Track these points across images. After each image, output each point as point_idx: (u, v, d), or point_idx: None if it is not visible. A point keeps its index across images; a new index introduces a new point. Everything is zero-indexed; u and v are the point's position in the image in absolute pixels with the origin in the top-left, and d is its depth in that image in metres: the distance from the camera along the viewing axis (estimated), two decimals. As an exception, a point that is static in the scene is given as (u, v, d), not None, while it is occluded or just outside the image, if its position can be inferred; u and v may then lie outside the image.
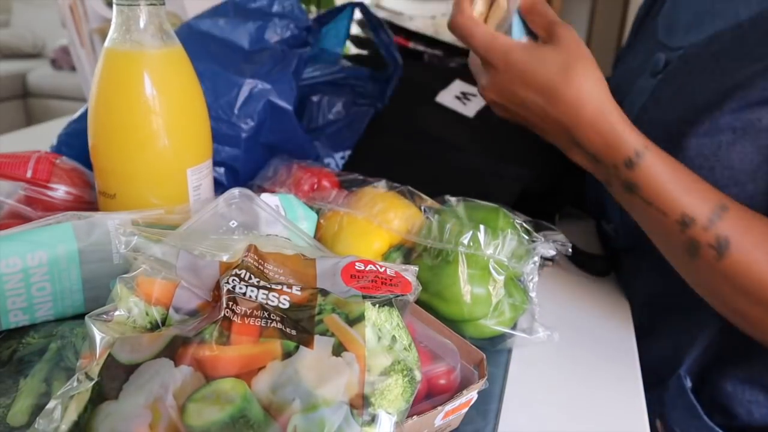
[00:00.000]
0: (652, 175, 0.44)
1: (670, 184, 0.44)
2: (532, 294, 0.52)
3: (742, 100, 0.46)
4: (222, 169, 0.66)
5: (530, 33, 0.51)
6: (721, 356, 0.53)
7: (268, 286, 0.35)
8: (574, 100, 0.46)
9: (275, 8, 0.70)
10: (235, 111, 0.64)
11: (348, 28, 0.86)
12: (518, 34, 0.50)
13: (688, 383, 0.54)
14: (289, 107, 0.66)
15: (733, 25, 0.50)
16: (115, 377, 0.30)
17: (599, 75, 0.47)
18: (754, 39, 0.48)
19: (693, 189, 0.44)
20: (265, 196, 0.53)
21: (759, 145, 0.46)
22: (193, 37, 0.66)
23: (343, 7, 0.81)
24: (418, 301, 0.42)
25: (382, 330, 0.34)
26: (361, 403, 0.31)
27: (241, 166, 0.66)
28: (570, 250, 0.51)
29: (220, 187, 0.59)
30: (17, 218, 0.54)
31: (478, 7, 0.54)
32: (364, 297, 0.36)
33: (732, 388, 0.52)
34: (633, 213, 0.49)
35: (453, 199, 0.55)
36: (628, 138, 0.45)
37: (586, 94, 0.46)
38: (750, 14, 0.49)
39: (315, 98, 0.78)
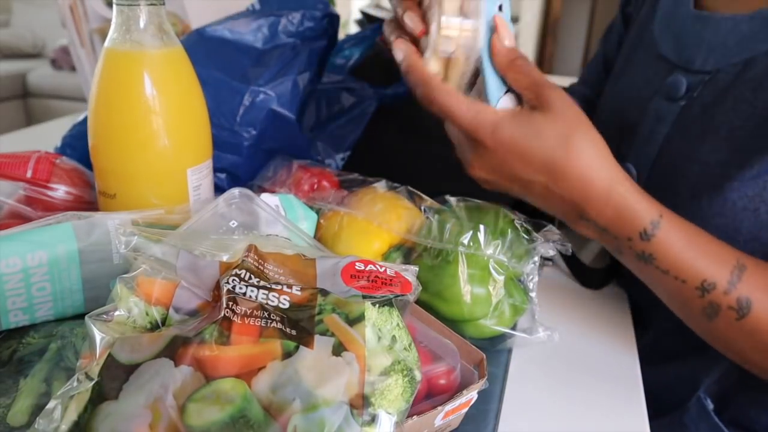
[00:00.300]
0: (669, 244, 0.41)
1: (688, 251, 0.41)
2: (532, 294, 0.52)
3: None
4: (223, 175, 0.66)
5: (510, 89, 0.45)
6: (741, 378, 0.52)
7: (268, 286, 0.35)
8: (581, 175, 0.41)
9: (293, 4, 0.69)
10: (237, 119, 0.64)
11: (363, 53, 0.85)
12: (496, 92, 0.44)
13: (710, 405, 0.52)
14: (291, 116, 0.66)
15: (767, 51, 0.47)
16: (115, 377, 0.30)
17: (600, 141, 0.43)
18: None
19: (710, 252, 0.42)
20: (265, 196, 0.53)
21: None
22: (202, 44, 0.66)
23: (372, 32, 0.81)
24: (418, 301, 0.42)
25: (382, 330, 0.34)
26: (361, 403, 0.31)
27: (243, 172, 0.67)
28: (570, 250, 0.51)
29: (221, 192, 0.59)
30: (17, 218, 0.54)
31: (433, 67, 0.48)
32: (364, 297, 0.36)
33: (755, 413, 0.51)
34: (646, 280, 0.45)
35: (453, 199, 0.55)
36: (642, 209, 0.41)
37: (593, 169, 0.41)
38: None
39: (316, 97, 0.78)
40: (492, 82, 0.44)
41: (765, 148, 0.45)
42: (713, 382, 0.54)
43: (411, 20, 0.47)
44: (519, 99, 0.45)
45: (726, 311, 0.40)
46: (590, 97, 0.75)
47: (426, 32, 0.48)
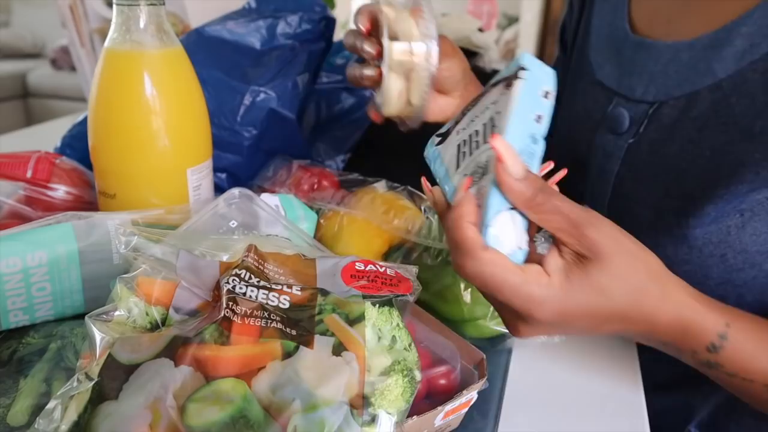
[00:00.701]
0: (737, 353, 0.38)
1: (756, 355, 0.39)
2: (532, 294, 0.52)
3: (744, 184, 0.43)
4: (224, 175, 0.66)
5: (513, 207, 0.35)
6: (735, 408, 0.51)
7: (268, 286, 0.35)
8: (649, 316, 0.36)
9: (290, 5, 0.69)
10: (238, 119, 0.64)
11: None
12: (493, 208, 0.34)
13: None
14: (291, 115, 0.66)
15: (711, 86, 0.46)
16: (115, 377, 0.30)
17: (656, 265, 0.36)
18: (738, 106, 0.44)
19: None
20: (265, 196, 0.53)
21: None
22: (201, 44, 0.66)
23: None
24: (418, 301, 0.42)
25: (382, 330, 0.34)
26: (361, 403, 0.31)
27: (243, 172, 0.67)
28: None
29: (221, 192, 0.59)
30: (17, 218, 0.54)
31: (396, 86, 0.49)
32: (364, 297, 0.36)
33: None
34: (711, 376, 0.42)
35: (453, 199, 0.55)
36: (709, 323, 0.38)
37: (660, 309, 0.36)
38: (727, 72, 0.45)
39: (316, 98, 0.78)
40: (494, 199, 0.34)
41: (714, 195, 0.44)
42: (706, 415, 0.53)
43: (367, 46, 0.50)
44: (529, 223, 0.36)
45: None
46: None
47: (380, 54, 0.50)
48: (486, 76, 0.67)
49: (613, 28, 0.56)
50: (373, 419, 0.31)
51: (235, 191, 0.47)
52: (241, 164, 0.66)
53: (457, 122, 0.42)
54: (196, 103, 0.52)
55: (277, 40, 0.67)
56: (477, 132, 0.38)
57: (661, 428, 0.49)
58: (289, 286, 0.36)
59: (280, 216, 0.47)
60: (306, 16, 0.68)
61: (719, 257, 0.45)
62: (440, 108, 0.57)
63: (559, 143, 0.62)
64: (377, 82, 0.52)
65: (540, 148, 0.36)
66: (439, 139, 0.43)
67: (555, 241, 0.34)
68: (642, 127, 0.51)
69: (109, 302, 0.34)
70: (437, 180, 0.41)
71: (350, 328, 0.34)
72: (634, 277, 0.34)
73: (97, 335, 0.31)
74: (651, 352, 0.55)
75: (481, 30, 1.18)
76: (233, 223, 0.45)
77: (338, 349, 0.33)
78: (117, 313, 0.34)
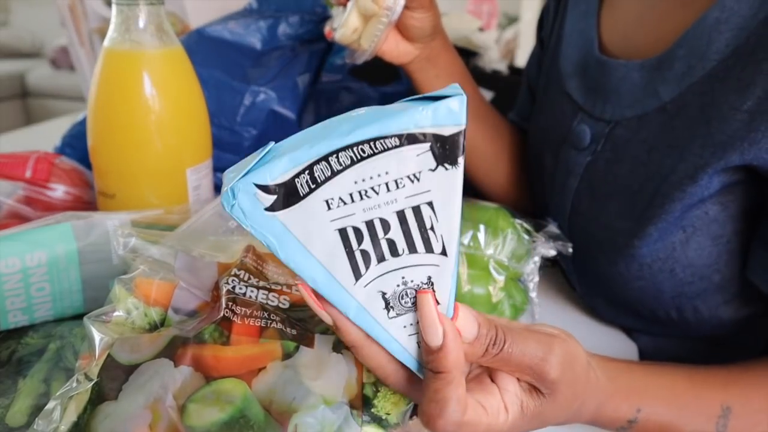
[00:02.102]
0: (648, 427, 0.39)
1: (670, 424, 0.40)
2: (532, 294, 0.52)
3: (683, 201, 0.44)
4: (224, 176, 0.66)
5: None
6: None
7: (268, 286, 0.35)
8: (575, 420, 0.38)
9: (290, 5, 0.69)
10: (238, 119, 0.64)
11: None
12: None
13: None
14: (292, 116, 0.66)
15: (657, 108, 0.46)
16: (114, 378, 0.30)
17: (593, 376, 0.37)
18: (680, 128, 0.45)
19: (694, 411, 0.40)
20: (264, 196, 0.53)
21: (713, 236, 0.44)
22: (202, 44, 0.66)
23: None
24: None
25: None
26: (361, 404, 0.31)
27: (242, 173, 0.66)
28: (570, 249, 0.51)
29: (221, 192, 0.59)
30: (16, 218, 0.54)
31: (353, 22, 0.51)
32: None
33: None
34: None
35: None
36: (621, 412, 0.39)
37: (586, 413, 0.38)
38: (671, 95, 0.45)
39: (316, 97, 0.78)
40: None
41: (657, 215, 0.45)
42: None
43: None
44: None
45: None
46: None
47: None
48: (486, 77, 0.67)
49: (583, 38, 0.56)
50: (373, 420, 0.31)
51: (235, 191, 0.47)
52: (241, 164, 0.66)
53: (316, 180, 0.26)
54: (195, 103, 0.52)
55: (277, 40, 0.67)
56: (386, 223, 0.27)
57: None
58: (289, 287, 0.36)
59: (279, 216, 0.47)
60: (307, 17, 0.68)
61: (669, 272, 0.46)
62: (399, 52, 0.56)
63: (532, 152, 0.62)
64: (343, 4, 0.53)
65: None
66: (273, 198, 0.26)
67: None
68: (600, 146, 0.51)
69: (107, 303, 0.34)
70: (284, 260, 0.27)
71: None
72: (574, 404, 0.35)
73: (96, 336, 0.31)
74: (652, 354, 0.55)
75: (481, 30, 1.17)
76: (233, 224, 0.45)
77: (338, 347, 0.33)
78: (116, 313, 0.34)
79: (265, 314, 0.33)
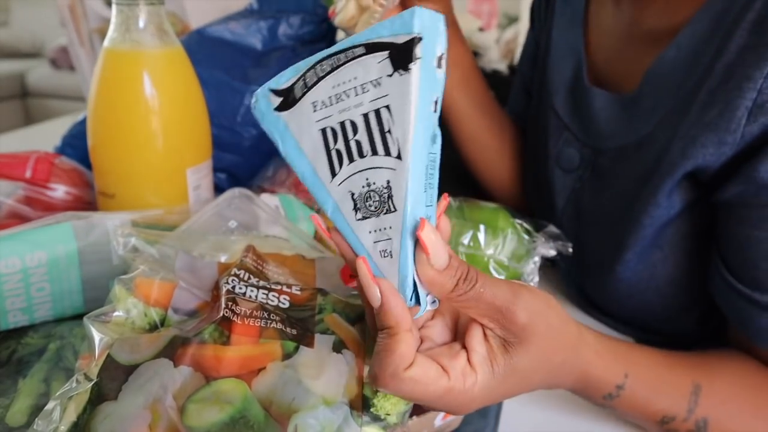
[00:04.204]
0: (632, 398, 0.39)
1: (649, 396, 0.40)
2: (532, 294, 0.51)
3: (653, 225, 0.46)
4: (224, 175, 0.66)
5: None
6: None
7: (268, 286, 0.35)
8: (559, 381, 0.36)
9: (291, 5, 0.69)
10: (238, 119, 0.64)
11: None
12: (411, 276, 0.29)
13: None
14: None
15: (634, 143, 0.48)
16: (114, 378, 0.30)
17: (579, 337, 0.36)
18: (649, 161, 0.46)
19: (668, 386, 0.40)
20: (264, 196, 0.53)
21: (688, 251, 0.46)
22: (203, 44, 0.66)
23: None
24: (418, 302, 0.42)
25: (382, 330, 0.34)
26: (360, 404, 0.31)
27: (243, 172, 0.66)
28: (570, 249, 0.51)
29: (221, 192, 0.59)
30: (16, 218, 0.54)
31: (350, 10, 0.52)
32: (364, 297, 0.35)
33: None
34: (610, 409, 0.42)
35: (453, 199, 0.54)
36: (609, 376, 0.38)
37: (573, 374, 0.37)
38: (647, 130, 0.47)
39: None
40: (408, 267, 0.29)
41: (632, 242, 0.47)
42: None
43: None
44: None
45: None
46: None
47: None
48: (486, 76, 0.67)
49: (571, 51, 0.56)
50: (373, 420, 0.31)
51: (235, 191, 0.47)
52: (241, 164, 0.66)
53: (306, 84, 0.30)
54: (196, 103, 0.52)
55: (278, 40, 0.67)
56: (354, 125, 0.29)
57: None
58: (289, 286, 0.36)
59: (279, 216, 0.47)
60: (308, 18, 0.68)
61: (655, 290, 0.48)
62: None
63: (528, 158, 0.63)
64: None
65: (438, 147, 0.30)
66: (280, 99, 0.31)
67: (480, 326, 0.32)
68: (587, 173, 0.53)
69: (107, 303, 0.34)
70: (284, 154, 0.31)
71: (351, 327, 0.34)
72: (554, 357, 0.33)
73: (96, 336, 0.31)
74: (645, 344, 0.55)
75: (481, 30, 1.18)
76: (233, 224, 0.45)
77: (338, 347, 0.33)
78: (116, 314, 0.34)
79: (265, 314, 0.33)
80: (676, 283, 0.48)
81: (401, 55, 0.28)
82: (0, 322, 0.41)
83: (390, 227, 0.29)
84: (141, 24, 0.47)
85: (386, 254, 0.29)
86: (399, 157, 0.28)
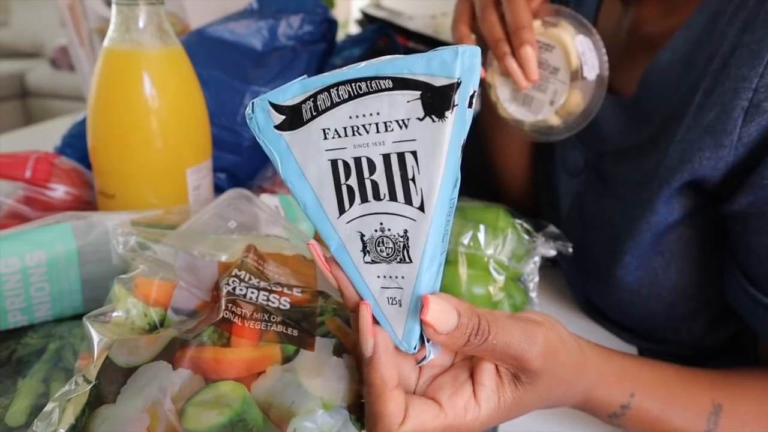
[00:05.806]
0: (640, 416, 0.39)
1: (662, 415, 0.39)
2: (532, 294, 0.51)
3: (651, 231, 0.46)
4: (223, 175, 0.66)
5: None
6: None
7: (269, 287, 0.35)
8: (561, 403, 0.37)
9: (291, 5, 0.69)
10: (238, 119, 0.64)
11: (363, 53, 0.85)
12: (417, 330, 0.28)
13: None
14: None
15: (636, 145, 0.48)
16: (112, 380, 0.30)
17: (582, 360, 0.35)
18: (648, 164, 0.46)
19: (686, 406, 0.39)
20: (264, 196, 0.53)
21: (691, 258, 0.46)
22: (203, 44, 0.66)
23: (371, 33, 0.81)
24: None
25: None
26: (360, 409, 0.31)
27: (243, 172, 0.66)
28: (570, 249, 0.51)
29: (221, 192, 0.59)
30: (16, 218, 0.54)
31: (501, 92, 0.50)
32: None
33: None
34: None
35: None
36: (613, 397, 0.38)
37: (575, 397, 0.36)
38: (648, 134, 0.47)
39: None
40: (415, 324, 0.28)
41: (631, 246, 0.47)
42: None
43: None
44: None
45: None
46: None
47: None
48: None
49: None
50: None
51: (235, 191, 0.47)
52: (241, 164, 0.66)
53: (317, 108, 0.28)
54: (195, 103, 0.52)
55: (278, 41, 0.67)
56: (372, 164, 0.27)
57: None
58: (290, 288, 0.36)
59: (279, 216, 0.47)
60: (308, 18, 0.68)
61: (656, 296, 0.48)
62: None
63: (537, 159, 0.63)
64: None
65: (457, 190, 0.28)
66: (282, 117, 0.28)
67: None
68: (591, 176, 0.53)
69: (107, 303, 0.34)
70: (283, 177, 0.29)
71: (351, 330, 0.34)
72: (558, 389, 0.33)
73: (95, 337, 0.31)
74: (653, 354, 0.55)
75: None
76: (232, 224, 0.45)
77: (339, 350, 0.33)
78: (115, 314, 0.33)
79: (266, 316, 0.33)
80: (680, 290, 0.47)
81: (437, 101, 0.25)
82: (0, 322, 0.41)
83: (403, 277, 0.27)
84: (141, 24, 0.47)
85: (395, 302, 0.28)
86: (422, 209, 0.26)
